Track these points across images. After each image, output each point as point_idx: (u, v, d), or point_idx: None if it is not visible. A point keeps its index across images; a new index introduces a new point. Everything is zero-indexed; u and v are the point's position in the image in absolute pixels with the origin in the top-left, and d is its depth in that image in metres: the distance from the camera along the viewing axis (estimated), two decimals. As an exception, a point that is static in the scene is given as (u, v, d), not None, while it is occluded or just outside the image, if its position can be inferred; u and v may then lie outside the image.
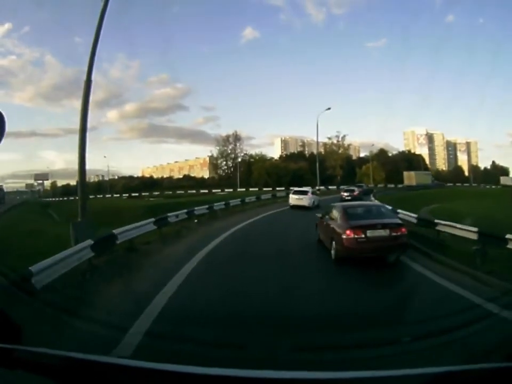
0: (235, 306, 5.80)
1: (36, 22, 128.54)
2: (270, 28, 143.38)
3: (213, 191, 71.74)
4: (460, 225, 10.13)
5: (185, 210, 16.88)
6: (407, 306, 5.26)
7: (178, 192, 76.43)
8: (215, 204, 22.53)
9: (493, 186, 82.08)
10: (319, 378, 1.76)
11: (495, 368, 1.74)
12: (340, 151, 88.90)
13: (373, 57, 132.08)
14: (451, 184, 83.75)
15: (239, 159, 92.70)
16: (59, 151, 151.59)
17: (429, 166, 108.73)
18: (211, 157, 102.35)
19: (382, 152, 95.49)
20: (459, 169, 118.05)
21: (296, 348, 3.95)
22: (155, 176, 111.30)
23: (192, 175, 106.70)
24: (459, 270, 8.05)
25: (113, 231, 9.19)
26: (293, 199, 27.13)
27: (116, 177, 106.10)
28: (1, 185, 70.65)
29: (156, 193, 76.88)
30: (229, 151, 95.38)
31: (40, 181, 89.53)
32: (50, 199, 68.80)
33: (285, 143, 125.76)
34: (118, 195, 78.58)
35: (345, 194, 35.54)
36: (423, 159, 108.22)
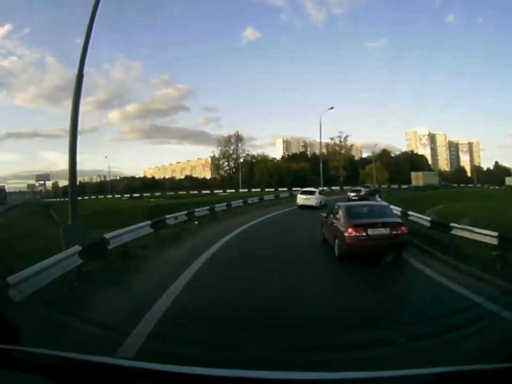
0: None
1: (36, 23, 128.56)
2: (271, 28, 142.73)
3: (215, 191, 71.14)
4: (479, 230, 9.43)
5: (185, 212, 16.12)
6: (427, 317, 5.02)
7: (180, 192, 76.15)
8: (217, 205, 21.82)
9: (496, 187, 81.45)
10: (318, 379, 1.76)
11: (494, 369, 1.73)
12: (343, 152, 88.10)
13: (373, 57, 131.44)
14: (455, 184, 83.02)
15: (241, 160, 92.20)
16: (61, 152, 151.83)
17: (431, 166, 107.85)
18: (213, 158, 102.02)
19: (385, 153, 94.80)
20: (461, 170, 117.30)
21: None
22: (157, 177, 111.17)
23: (194, 175, 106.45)
24: (475, 276, 7.55)
25: (105, 235, 8.48)
26: (301, 199, 27.43)
27: (118, 177, 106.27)
28: (3, 186, 70.55)
29: (158, 194, 76.62)
30: (231, 152, 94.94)
31: (42, 182, 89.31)
32: (52, 199, 68.38)
33: (286, 143, 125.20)
34: (119, 196, 78.14)
35: (352, 194, 35.85)
36: (426, 160, 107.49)
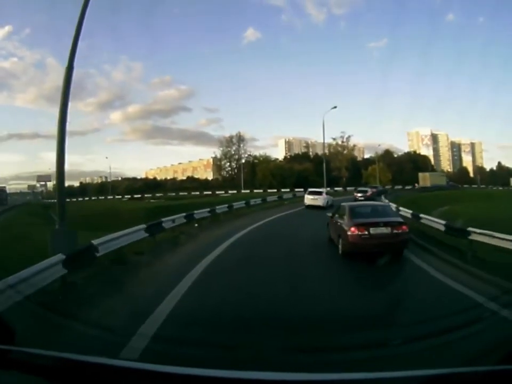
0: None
1: (36, 24, 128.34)
2: (272, 29, 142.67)
3: (217, 192, 70.41)
4: (500, 235, 8.67)
5: (184, 214, 15.32)
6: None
7: (181, 193, 75.61)
8: (218, 207, 21.06)
9: (500, 188, 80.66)
10: (318, 380, 1.78)
11: (491, 371, 1.71)
12: (345, 152, 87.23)
13: (374, 58, 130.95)
14: (464, 186, 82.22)
15: (243, 160, 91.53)
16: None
17: (434, 167, 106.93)
18: (214, 158, 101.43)
19: (388, 153, 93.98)
20: (464, 170, 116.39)
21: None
22: (159, 178, 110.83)
23: (196, 176, 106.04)
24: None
25: (93, 241, 7.73)
26: (308, 199, 27.97)
27: (119, 178, 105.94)
28: (4, 187, 70.40)
29: (159, 194, 76.10)
30: (233, 152, 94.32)
31: (43, 183, 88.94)
32: (53, 200, 67.85)
33: (288, 144, 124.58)
34: (120, 197, 77.53)
35: (359, 195, 36.22)
36: (429, 160, 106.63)
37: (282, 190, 61.90)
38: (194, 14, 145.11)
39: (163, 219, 12.53)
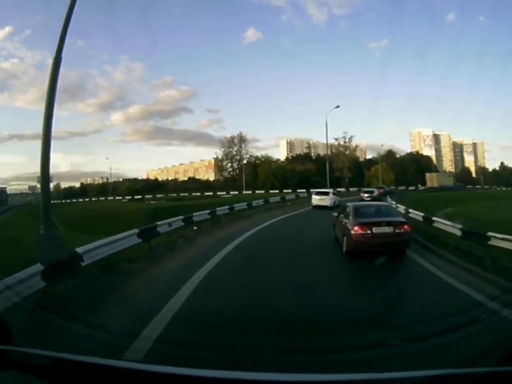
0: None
1: (37, 25, 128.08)
2: (272, 29, 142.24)
3: (218, 193, 69.77)
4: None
5: (181, 217, 14.54)
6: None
7: (182, 194, 75.08)
8: (218, 209, 20.31)
9: (504, 188, 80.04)
10: (317, 380, 1.77)
11: (490, 372, 1.68)
12: (347, 153, 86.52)
13: (375, 58, 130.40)
14: (469, 186, 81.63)
15: (245, 161, 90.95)
16: (63, 154, 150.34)
17: (436, 167, 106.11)
18: (216, 159, 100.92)
19: (390, 154, 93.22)
20: (466, 171, 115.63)
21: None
22: (160, 179, 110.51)
23: (197, 177, 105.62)
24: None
25: (77, 249, 6.97)
26: (315, 199, 28.36)
27: (121, 179, 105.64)
28: (5, 187, 70.10)
29: (160, 195, 75.54)
30: (234, 153, 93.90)
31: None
32: (53, 201, 67.40)
33: (290, 144, 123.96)
34: (120, 197, 76.95)
35: (365, 195, 36.50)
36: (432, 161, 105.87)
37: (285, 191, 61.26)
38: (195, 14, 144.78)
39: (158, 223, 11.69)
